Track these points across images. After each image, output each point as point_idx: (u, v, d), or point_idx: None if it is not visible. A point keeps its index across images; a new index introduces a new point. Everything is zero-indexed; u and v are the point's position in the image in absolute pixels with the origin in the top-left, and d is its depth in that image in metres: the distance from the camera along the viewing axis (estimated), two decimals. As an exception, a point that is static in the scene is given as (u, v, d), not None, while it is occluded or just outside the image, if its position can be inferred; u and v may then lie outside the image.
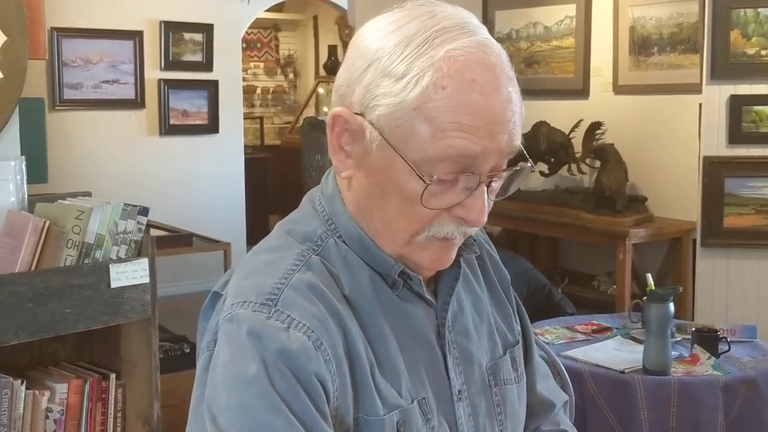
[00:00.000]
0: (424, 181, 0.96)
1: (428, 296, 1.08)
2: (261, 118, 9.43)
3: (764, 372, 2.68)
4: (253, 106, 9.62)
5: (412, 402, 1.03)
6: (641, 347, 2.72)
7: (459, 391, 1.09)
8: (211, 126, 6.37)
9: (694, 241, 4.21)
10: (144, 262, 2.21)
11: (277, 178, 8.45)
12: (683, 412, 2.55)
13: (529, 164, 1.02)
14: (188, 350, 3.26)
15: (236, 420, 0.92)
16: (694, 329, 2.85)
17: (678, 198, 4.64)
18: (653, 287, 2.80)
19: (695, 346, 2.77)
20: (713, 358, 2.71)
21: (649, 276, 2.89)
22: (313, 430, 0.92)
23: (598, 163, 4.73)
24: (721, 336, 2.78)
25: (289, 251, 1.04)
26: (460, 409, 1.09)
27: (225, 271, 5.26)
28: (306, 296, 0.98)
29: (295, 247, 1.04)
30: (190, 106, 6.26)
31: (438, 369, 1.08)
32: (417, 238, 1.01)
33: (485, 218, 0.99)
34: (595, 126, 4.75)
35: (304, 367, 0.94)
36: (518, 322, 1.25)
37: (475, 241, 1.15)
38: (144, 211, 2.26)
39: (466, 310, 1.15)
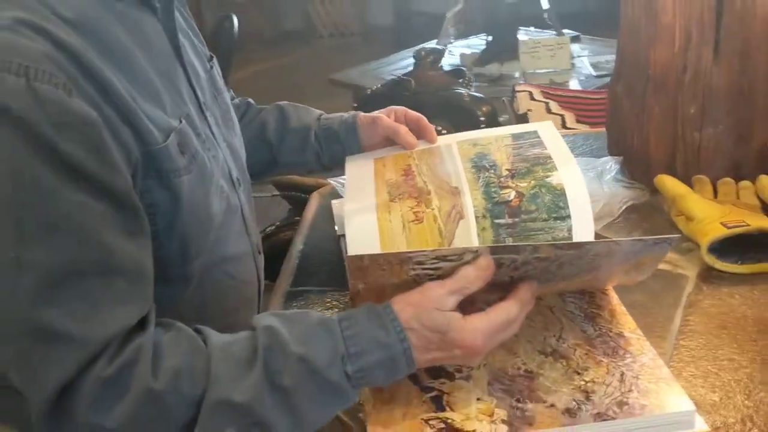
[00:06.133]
0: None
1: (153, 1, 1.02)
2: None
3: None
4: None
5: (181, 121, 1.00)
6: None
7: (204, 103, 1.11)
8: None
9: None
10: None
11: None
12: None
13: None
14: None
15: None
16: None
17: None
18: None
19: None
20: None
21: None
22: (110, 187, 0.84)
23: None
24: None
25: None
26: (210, 119, 1.12)
27: None
28: (23, 34, 0.82)
29: None
30: None
31: (186, 83, 1.07)
32: None
33: None
34: None
35: (77, 126, 0.82)
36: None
37: None
38: None
39: (182, 30, 1.15)
